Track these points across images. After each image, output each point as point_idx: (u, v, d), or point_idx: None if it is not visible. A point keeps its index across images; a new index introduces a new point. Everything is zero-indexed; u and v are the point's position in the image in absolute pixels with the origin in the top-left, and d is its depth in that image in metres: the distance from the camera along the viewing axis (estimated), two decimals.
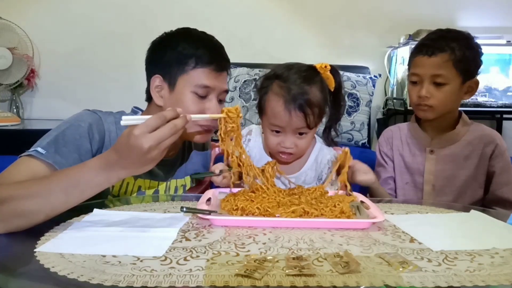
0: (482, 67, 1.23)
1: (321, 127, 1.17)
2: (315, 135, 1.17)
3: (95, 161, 0.75)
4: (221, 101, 1.06)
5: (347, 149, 1.04)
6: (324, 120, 1.12)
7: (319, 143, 1.16)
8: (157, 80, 1.03)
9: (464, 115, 1.28)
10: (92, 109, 1.04)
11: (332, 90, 1.06)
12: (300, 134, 1.03)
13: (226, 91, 1.07)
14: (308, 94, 1.00)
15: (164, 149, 0.73)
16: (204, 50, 1.01)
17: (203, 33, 1.07)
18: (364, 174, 1.05)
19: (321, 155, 1.13)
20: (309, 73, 1.03)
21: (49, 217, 0.73)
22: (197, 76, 1.00)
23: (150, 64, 1.07)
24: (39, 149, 0.86)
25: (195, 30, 1.07)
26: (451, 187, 1.24)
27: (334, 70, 1.07)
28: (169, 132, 0.72)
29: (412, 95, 1.23)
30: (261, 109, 1.07)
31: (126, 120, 0.74)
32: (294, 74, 1.02)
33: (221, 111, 0.91)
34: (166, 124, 0.72)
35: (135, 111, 1.13)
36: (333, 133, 1.15)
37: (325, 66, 1.05)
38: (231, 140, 0.92)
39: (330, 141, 1.16)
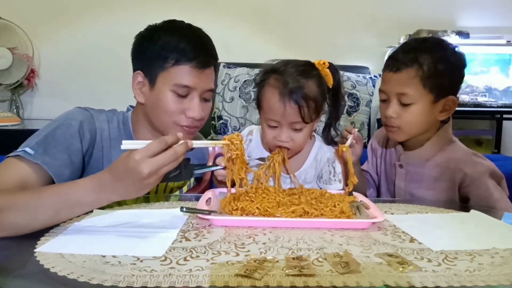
0: (464, 80, 1.10)
1: (321, 126, 1.17)
2: (315, 134, 1.17)
3: (87, 181, 0.73)
4: (206, 100, 1.02)
5: (346, 146, 1.05)
6: (324, 118, 1.12)
7: (319, 141, 1.16)
8: (138, 76, 0.99)
9: (442, 134, 1.12)
10: (84, 106, 1.02)
11: (331, 87, 1.06)
12: (296, 129, 1.03)
13: (211, 90, 1.01)
14: (304, 87, 0.99)
15: (161, 176, 0.71)
16: (186, 44, 0.95)
17: (189, 25, 1.02)
18: (352, 155, 1.08)
19: (320, 153, 1.14)
20: (306, 68, 1.04)
21: (35, 230, 0.71)
22: (177, 75, 0.95)
23: (133, 59, 1.03)
24: (27, 149, 0.84)
25: (180, 22, 1.02)
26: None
27: (333, 67, 1.06)
28: (169, 159, 0.70)
29: (381, 114, 1.12)
30: (258, 104, 1.08)
31: (126, 145, 0.71)
32: (291, 68, 1.02)
33: (223, 138, 0.88)
34: (167, 151, 0.70)
35: (129, 109, 1.12)
36: (333, 132, 1.15)
37: (324, 63, 1.05)
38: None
39: (330, 140, 1.15)
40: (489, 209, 0.97)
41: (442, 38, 1.14)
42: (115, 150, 1.01)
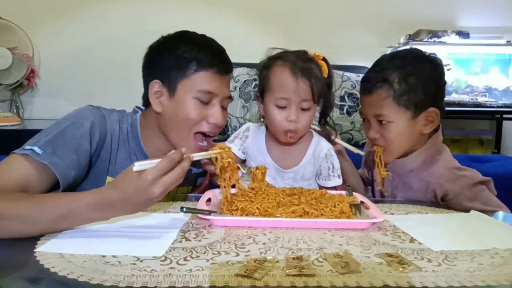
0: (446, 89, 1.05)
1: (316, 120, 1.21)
2: (312, 130, 1.19)
3: (91, 199, 0.71)
4: (224, 108, 1.02)
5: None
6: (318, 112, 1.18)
7: (316, 137, 1.18)
8: (156, 85, 0.98)
9: (428, 146, 1.09)
10: (96, 105, 1.01)
11: (326, 77, 1.10)
12: (303, 109, 1.06)
13: (230, 97, 1.02)
14: (311, 67, 1.05)
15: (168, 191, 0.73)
16: (205, 52, 0.97)
17: (203, 35, 1.03)
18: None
19: (318, 148, 1.15)
20: (307, 55, 1.10)
21: (32, 236, 0.71)
22: (199, 81, 0.95)
23: (148, 70, 1.03)
24: (36, 148, 0.83)
25: (194, 33, 1.03)
26: None
27: (326, 60, 1.12)
28: (177, 176, 0.72)
29: (366, 134, 1.12)
30: (264, 88, 1.10)
31: (139, 166, 0.70)
32: (292, 53, 1.09)
33: (213, 147, 0.88)
34: (175, 169, 0.72)
35: (136, 111, 1.11)
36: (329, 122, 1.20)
37: (318, 55, 1.11)
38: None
39: (328, 126, 1.18)
40: (489, 210, 0.97)
41: (416, 47, 1.10)
42: (121, 152, 1.01)
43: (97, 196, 0.71)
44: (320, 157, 1.14)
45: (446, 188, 1.03)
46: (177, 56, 0.96)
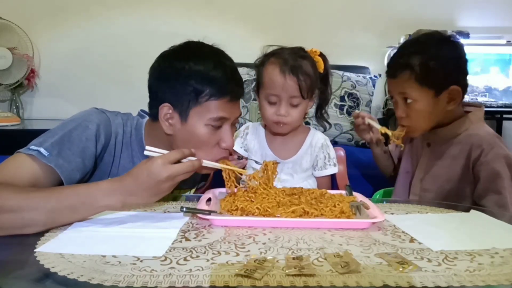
0: (470, 69, 1.12)
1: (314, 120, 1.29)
2: (310, 127, 1.26)
3: (107, 184, 0.77)
4: (233, 125, 1.00)
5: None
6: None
7: (313, 129, 1.26)
8: (165, 108, 0.94)
9: (472, 115, 1.15)
10: (100, 108, 1.01)
11: (322, 72, 1.17)
12: (293, 105, 1.13)
13: (240, 115, 1.01)
14: (301, 65, 1.11)
15: (176, 183, 0.79)
16: (221, 77, 0.92)
17: (214, 52, 0.98)
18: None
19: (315, 139, 1.23)
20: (301, 51, 1.17)
21: (48, 229, 0.73)
22: (212, 108, 0.93)
23: (156, 87, 0.97)
24: (42, 150, 0.83)
25: (204, 50, 0.98)
26: (435, 184, 1.16)
27: (323, 56, 1.18)
28: (186, 168, 0.79)
29: (396, 114, 1.19)
30: (258, 84, 1.17)
31: (149, 151, 0.81)
32: (287, 50, 1.16)
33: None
34: (186, 162, 0.80)
35: (141, 114, 1.09)
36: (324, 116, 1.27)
37: (315, 51, 1.17)
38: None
39: (322, 119, 1.25)
40: (489, 210, 0.97)
41: (439, 31, 1.20)
42: (124, 155, 1.00)
43: (114, 182, 0.77)
44: (317, 147, 1.22)
45: (483, 148, 1.07)
46: (190, 79, 0.92)
